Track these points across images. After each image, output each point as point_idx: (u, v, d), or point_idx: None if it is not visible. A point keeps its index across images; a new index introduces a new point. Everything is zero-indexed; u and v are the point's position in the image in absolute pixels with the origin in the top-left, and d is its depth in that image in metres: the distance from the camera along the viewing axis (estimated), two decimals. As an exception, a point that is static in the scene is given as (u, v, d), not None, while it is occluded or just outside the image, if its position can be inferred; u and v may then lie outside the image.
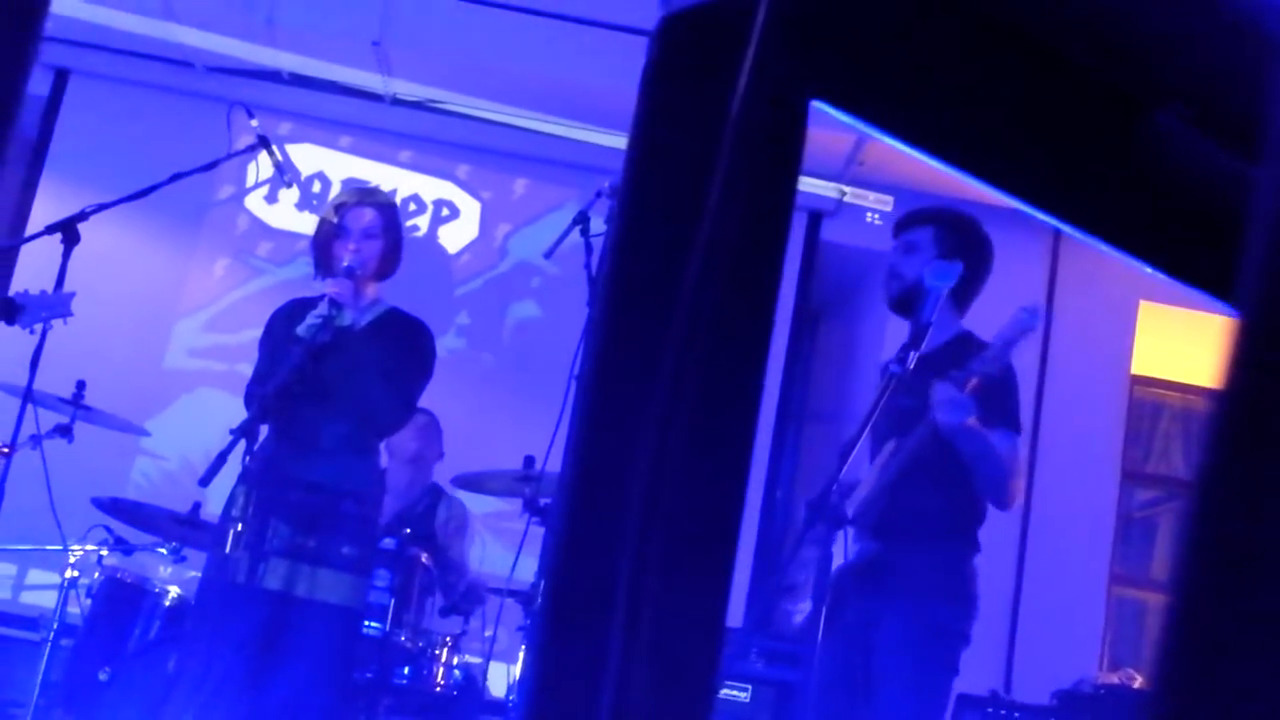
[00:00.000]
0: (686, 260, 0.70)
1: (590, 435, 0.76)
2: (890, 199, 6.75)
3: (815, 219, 6.89)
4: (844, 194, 6.78)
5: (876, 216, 6.80)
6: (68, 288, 4.06)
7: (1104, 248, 0.78)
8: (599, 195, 4.02)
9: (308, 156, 7.02)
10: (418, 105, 7.00)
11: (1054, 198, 0.77)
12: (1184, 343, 7.09)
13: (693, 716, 0.75)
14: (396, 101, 6.96)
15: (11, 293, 4.04)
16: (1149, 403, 7.22)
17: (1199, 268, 0.80)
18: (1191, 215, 0.79)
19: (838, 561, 3.16)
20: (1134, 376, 6.92)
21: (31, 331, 3.98)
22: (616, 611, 0.72)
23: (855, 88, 0.74)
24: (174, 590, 4.63)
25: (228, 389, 5.96)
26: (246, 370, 3.98)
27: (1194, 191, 0.78)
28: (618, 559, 0.72)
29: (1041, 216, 0.78)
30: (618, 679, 0.71)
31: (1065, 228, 0.79)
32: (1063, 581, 6.47)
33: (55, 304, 4.01)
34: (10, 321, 3.94)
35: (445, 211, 7.07)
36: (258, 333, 4.03)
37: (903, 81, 0.76)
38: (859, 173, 6.66)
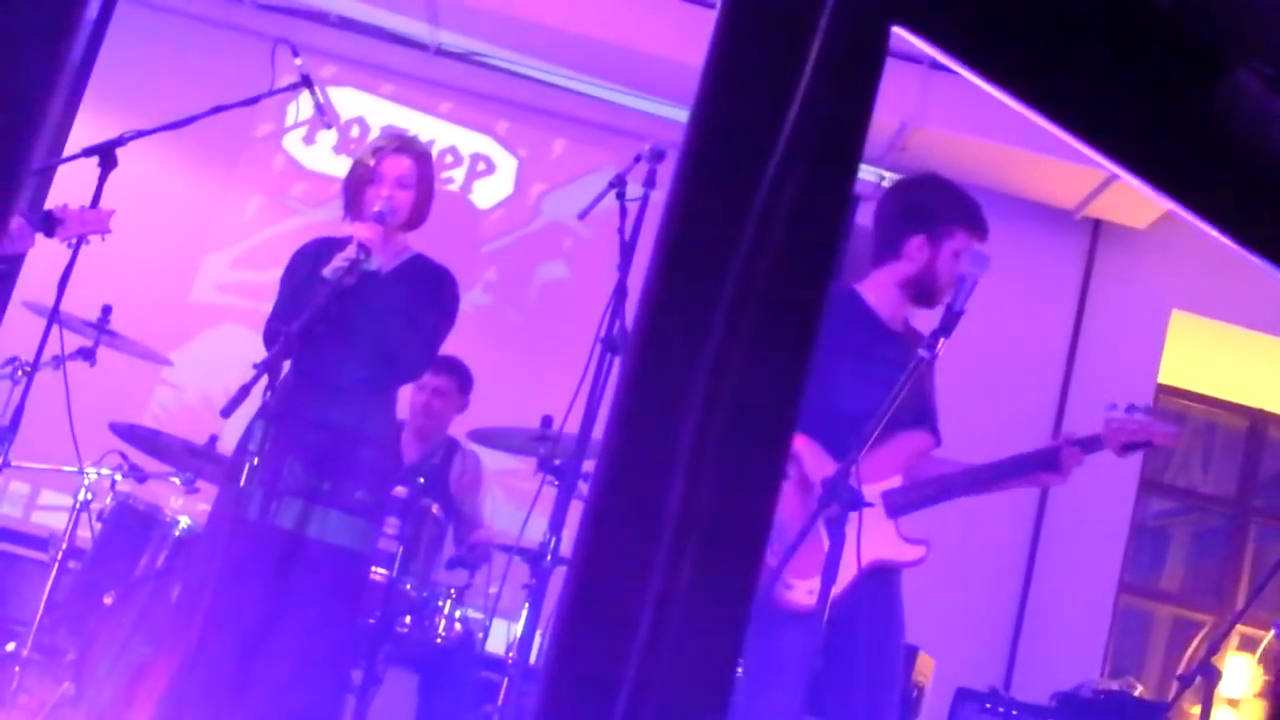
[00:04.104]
0: (755, 191, 0.69)
1: (635, 402, 0.74)
2: (929, 187, 6.70)
3: (852, 202, 6.85)
4: (883, 179, 6.74)
5: (913, 204, 6.75)
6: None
7: (1169, 203, 0.76)
8: (638, 159, 3.99)
9: (349, 101, 7.00)
10: (462, 57, 6.98)
11: (1122, 147, 0.75)
12: (1214, 355, 7.04)
13: (709, 709, 0.73)
14: (441, 52, 6.94)
15: (49, 206, 4.04)
16: (1173, 413, 7.18)
17: (1265, 235, 0.78)
18: (1262, 181, 0.77)
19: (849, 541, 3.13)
20: (1160, 385, 6.87)
21: (69, 245, 3.98)
22: (647, 593, 0.70)
23: (935, 13, 0.72)
24: (184, 520, 4.65)
25: (252, 326, 5.96)
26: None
27: (1268, 157, 0.76)
28: (655, 533, 0.71)
29: (1108, 165, 0.76)
30: (639, 669, 0.70)
31: (1132, 180, 0.77)
32: (1071, 585, 6.44)
33: (94, 220, 4.01)
34: (50, 234, 3.95)
35: (481, 166, 7.05)
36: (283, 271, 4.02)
37: (983, 12, 0.74)
38: (900, 159, 6.61)
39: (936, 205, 3.65)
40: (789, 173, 0.71)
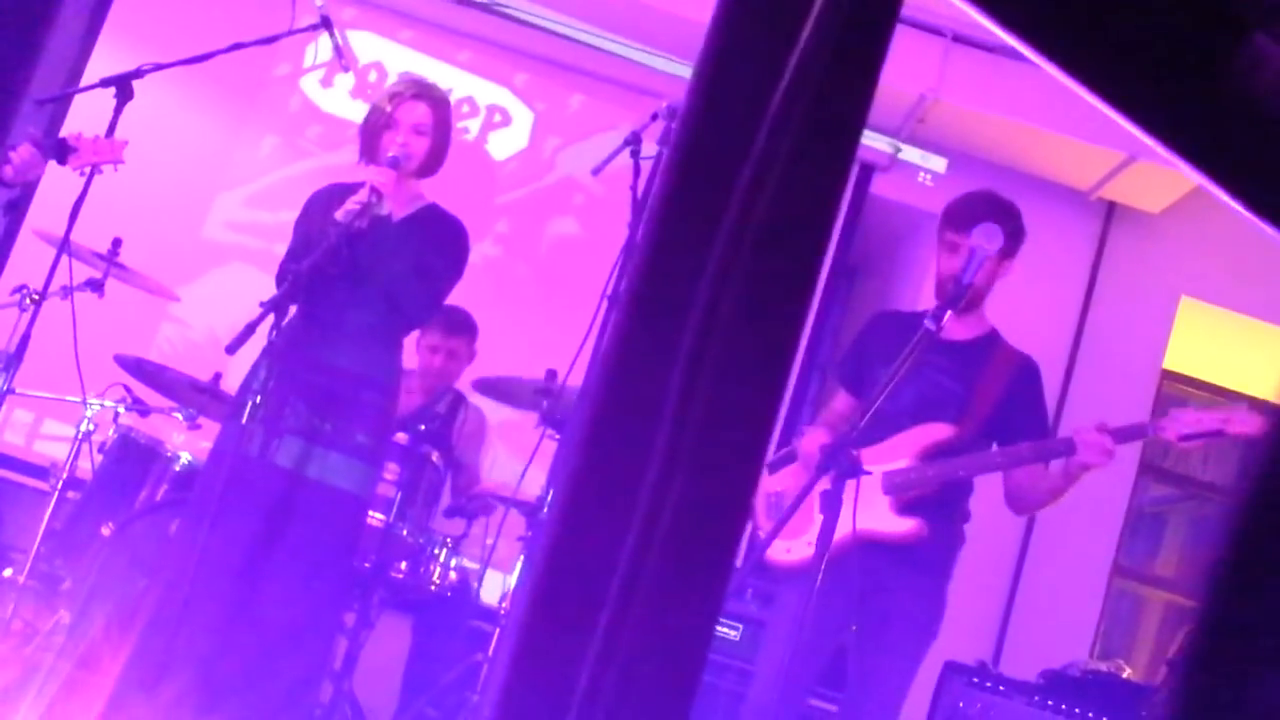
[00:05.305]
0: (749, 151, 0.68)
1: (620, 368, 0.73)
2: (944, 160, 6.68)
3: (866, 171, 6.82)
4: (898, 150, 6.71)
5: (928, 177, 6.73)
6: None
7: (1184, 167, 0.76)
8: (654, 117, 3.99)
9: (367, 45, 6.98)
10: (484, 7, 6.93)
11: (1138, 105, 0.75)
12: (1220, 343, 7.03)
13: (675, 699, 0.73)
14: (463, 1, 6.90)
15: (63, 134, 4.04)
16: (1176, 399, 7.17)
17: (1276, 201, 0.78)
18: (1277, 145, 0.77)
19: (845, 511, 3.16)
20: (1165, 371, 6.86)
21: (81, 173, 3.98)
22: (620, 558, 0.70)
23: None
24: (185, 456, 4.66)
25: (262, 266, 5.97)
26: (282, 250, 3.96)
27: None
28: (630, 506, 0.71)
29: (1123, 122, 0.76)
30: (606, 633, 0.70)
31: (1146, 138, 0.76)
32: (1065, 565, 6.46)
33: (107, 150, 4.01)
34: (62, 161, 3.94)
35: (498, 118, 7.03)
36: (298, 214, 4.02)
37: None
38: (917, 130, 6.59)
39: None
40: (785, 133, 0.70)
